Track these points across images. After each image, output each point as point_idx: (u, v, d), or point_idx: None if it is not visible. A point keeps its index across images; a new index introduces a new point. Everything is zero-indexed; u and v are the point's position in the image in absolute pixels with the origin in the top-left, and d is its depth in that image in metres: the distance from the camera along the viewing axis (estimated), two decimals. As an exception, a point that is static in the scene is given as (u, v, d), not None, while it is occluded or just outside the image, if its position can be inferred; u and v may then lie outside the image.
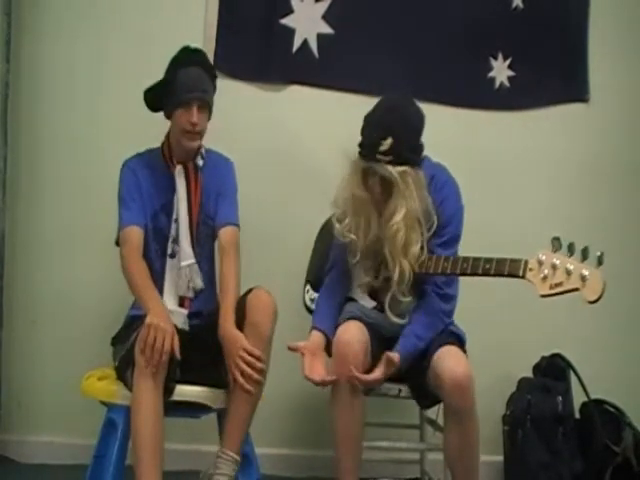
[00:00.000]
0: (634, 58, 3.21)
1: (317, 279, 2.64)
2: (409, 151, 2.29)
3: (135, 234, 2.40)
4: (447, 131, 2.98)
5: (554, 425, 2.83)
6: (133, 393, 2.16)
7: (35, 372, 2.94)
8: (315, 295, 2.63)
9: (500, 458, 2.92)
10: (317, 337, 2.38)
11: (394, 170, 2.26)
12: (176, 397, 2.24)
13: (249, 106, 3.00)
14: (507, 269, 2.17)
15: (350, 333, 2.28)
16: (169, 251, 2.45)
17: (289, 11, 2.99)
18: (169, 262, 2.45)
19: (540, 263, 2.12)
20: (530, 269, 2.14)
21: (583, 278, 2.05)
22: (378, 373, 2.24)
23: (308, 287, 2.73)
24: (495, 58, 3.15)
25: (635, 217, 3.22)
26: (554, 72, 3.19)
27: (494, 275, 2.19)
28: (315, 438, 2.88)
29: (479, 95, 3.15)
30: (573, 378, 2.93)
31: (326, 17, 3.02)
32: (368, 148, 2.29)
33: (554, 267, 2.09)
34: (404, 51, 3.06)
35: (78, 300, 2.95)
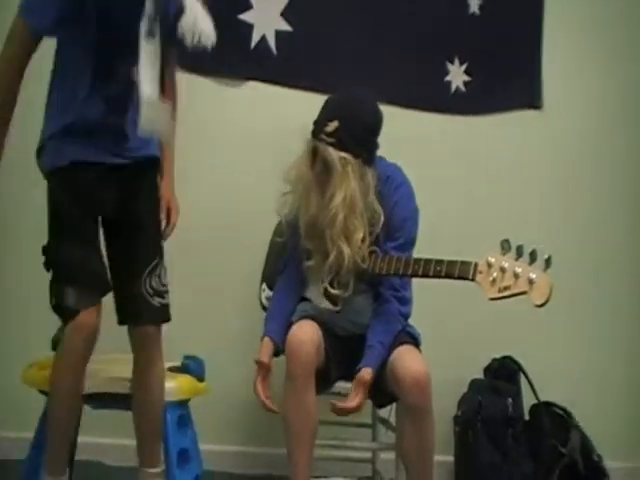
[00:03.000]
0: (587, 65, 3.26)
1: (273, 277, 2.62)
2: (353, 141, 2.30)
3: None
4: (403, 133, 2.99)
5: (504, 426, 2.85)
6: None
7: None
8: (271, 294, 2.60)
9: (451, 458, 2.93)
10: (268, 347, 2.37)
11: (335, 154, 2.28)
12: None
13: (206, 101, 2.97)
14: (457, 271, 2.17)
15: (303, 332, 2.27)
16: (145, 28, 2.04)
17: (248, 7, 2.97)
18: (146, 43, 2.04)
19: (489, 265, 2.12)
20: (480, 272, 2.14)
21: (531, 281, 2.05)
22: (358, 400, 2.24)
23: (264, 286, 2.70)
24: (452, 62, 3.17)
25: (582, 220, 3.25)
26: (508, 78, 3.22)
27: (445, 277, 2.20)
28: (269, 435, 2.83)
29: (435, 98, 3.17)
30: (523, 380, 2.96)
31: (285, 14, 3.01)
32: (316, 127, 2.34)
33: (503, 270, 2.10)
34: (362, 51, 3.07)
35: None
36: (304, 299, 2.46)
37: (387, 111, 2.78)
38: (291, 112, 2.96)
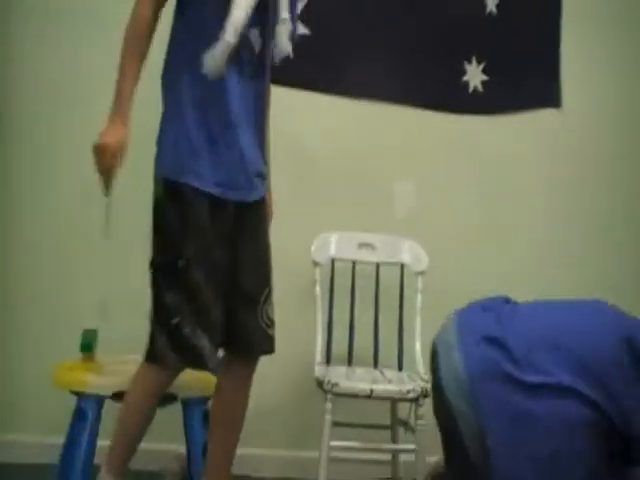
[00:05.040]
0: (606, 64, 3.25)
1: None
2: None
3: None
4: (420, 134, 3.00)
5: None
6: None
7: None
8: None
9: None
10: None
11: None
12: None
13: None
14: None
15: None
16: None
17: (265, 10, 2.98)
18: None
19: None
20: None
21: None
22: None
23: None
24: (469, 62, 3.17)
25: (595, 221, 3.25)
26: (527, 78, 3.21)
27: None
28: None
29: (453, 99, 3.16)
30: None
31: (302, 17, 3.01)
32: None
33: None
34: (379, 53, 3.07)
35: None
36: None
37: (405, 112, 2.83)
38: (309, 115, 2.98)
